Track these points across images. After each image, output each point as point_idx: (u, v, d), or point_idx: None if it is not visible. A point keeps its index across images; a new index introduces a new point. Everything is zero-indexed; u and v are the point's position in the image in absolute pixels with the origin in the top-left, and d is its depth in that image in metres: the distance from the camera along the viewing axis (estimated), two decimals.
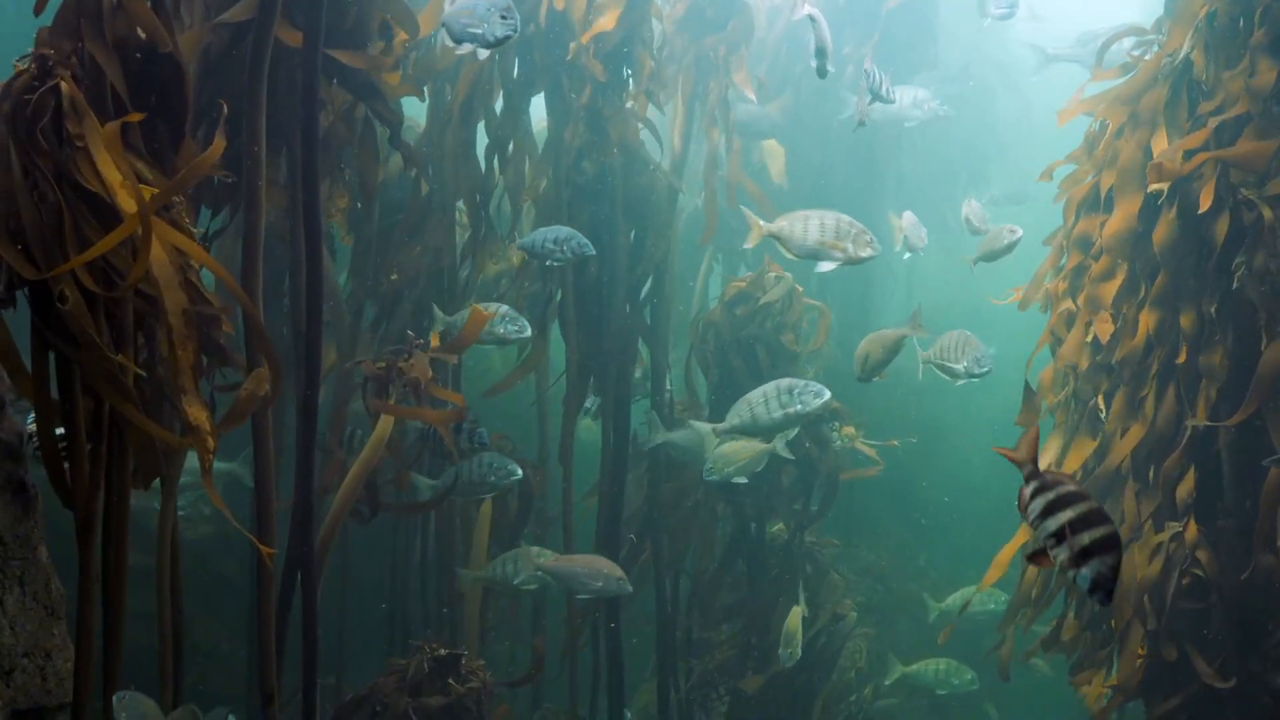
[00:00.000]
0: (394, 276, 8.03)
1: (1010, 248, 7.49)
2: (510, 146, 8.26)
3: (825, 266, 6.14)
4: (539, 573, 7.29)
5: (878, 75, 7.38)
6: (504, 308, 7.09)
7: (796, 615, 8.03)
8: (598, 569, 7.28)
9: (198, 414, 4.19)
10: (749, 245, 6.49)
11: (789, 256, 6.29)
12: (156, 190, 4.22)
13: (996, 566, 7.37)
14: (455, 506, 8.31)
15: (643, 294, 8.78)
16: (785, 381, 6.52)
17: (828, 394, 6.40)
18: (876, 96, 7.42)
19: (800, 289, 9.19)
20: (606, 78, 8.13)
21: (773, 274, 9.07)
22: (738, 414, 6.51)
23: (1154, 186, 6.41)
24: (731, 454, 7.90)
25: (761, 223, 6.31)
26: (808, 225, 6.10)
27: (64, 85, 4.03)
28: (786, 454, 7.93)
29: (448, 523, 8.33)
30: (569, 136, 8.20)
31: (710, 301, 10.57)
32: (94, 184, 4.05)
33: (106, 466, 4.35)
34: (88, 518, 4.21)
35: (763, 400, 6.39)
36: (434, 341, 6.84)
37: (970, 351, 6.78)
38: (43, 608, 4.27)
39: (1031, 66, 11.29)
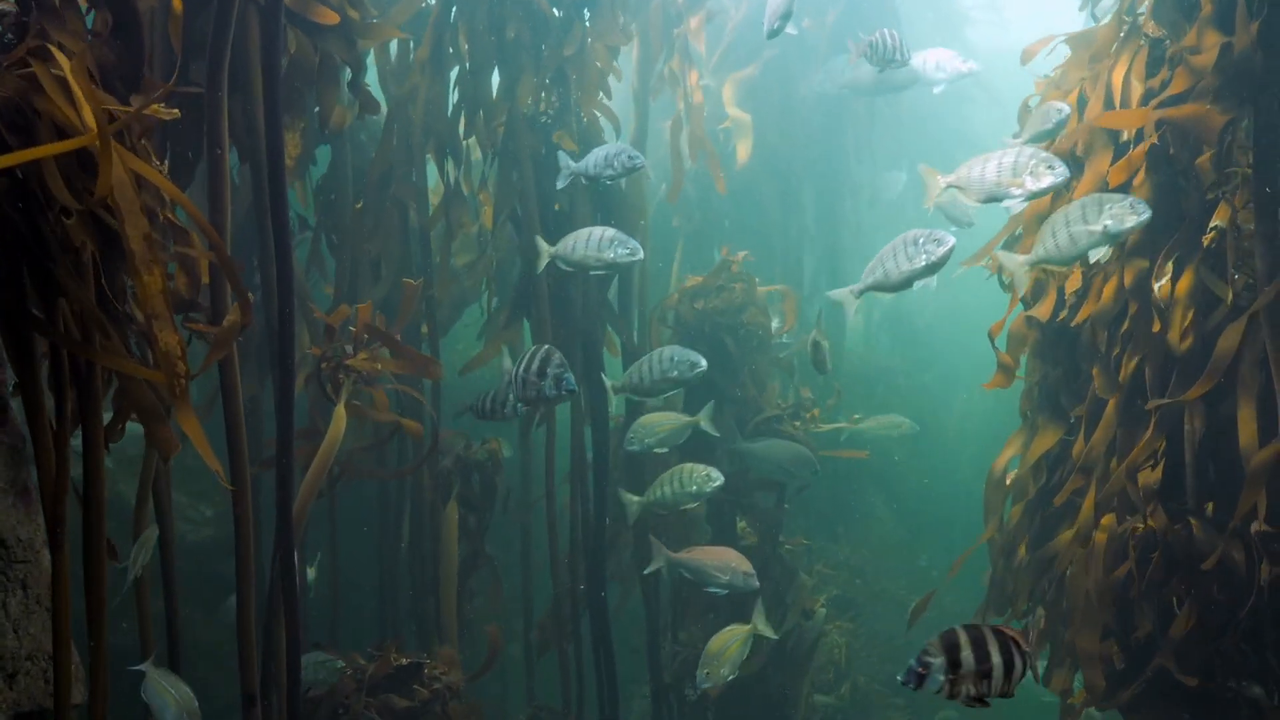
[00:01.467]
0: (359, 205, 7.99)
1: (1060, 127, 6.73)
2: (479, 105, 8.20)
3: (1013, 205, 5.79)
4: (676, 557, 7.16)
5: (887, 40, 7.10)
6: (611, 230, 6.66)
7: (729, 636, 7.28)
8: (726, 563, 7.13)
9: (168, 338, 3.92)
10: (929, 203, 6.19)
11: (971, 203, 5.95)
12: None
13: (956, 566, 7.45)
14: (425, 501, 8.31)
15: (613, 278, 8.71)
16: (911, 233, 6.08)
17: (952, 241, 5.94)
18: (888, 62, 7.13)
19: (756, 279, 9.17)
20: (568, 22, 8.04)
21: (730, 265, 9.05)
22: (871, 272, 6.12)
23: (1116, 181, 6.32)
24: (653, 424, 7.82)
25: (941, 176, 6.02)
26: (985, 167, 5.76)
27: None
28: (711, 429, 7.90)
29: (421, 518, 8.35)
30: (530, 91, 8.09)
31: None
32: (57, 98, 3.91)
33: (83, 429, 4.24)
34: (55, 492, 4.12)
35: (891, 255, 5.95)
36: (364, 312, 6.51)
37: (1108, 207, 5.59)
38: (46, 611, 4.24)
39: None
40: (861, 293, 6.16)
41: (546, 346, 6.15)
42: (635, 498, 7.74)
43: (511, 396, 6.68)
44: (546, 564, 8.65)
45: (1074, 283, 6.64)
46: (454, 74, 8.24)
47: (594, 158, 6.85)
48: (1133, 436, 6.37)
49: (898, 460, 12.57)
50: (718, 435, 8.25)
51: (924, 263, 5.83)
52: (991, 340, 6.87)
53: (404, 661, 6.79)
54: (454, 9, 8.07)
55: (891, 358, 14.83)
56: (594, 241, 6.61)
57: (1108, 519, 6.40)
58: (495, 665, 7.90)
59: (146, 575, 5.48)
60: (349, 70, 6.63)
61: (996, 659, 3.67)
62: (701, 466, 7.49)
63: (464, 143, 8.30)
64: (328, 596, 8.05)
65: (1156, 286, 6.16)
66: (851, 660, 10.47)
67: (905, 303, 15.68)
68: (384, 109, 7.82)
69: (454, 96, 8.25)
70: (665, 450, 7.96)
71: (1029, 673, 3.80)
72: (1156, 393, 6.23)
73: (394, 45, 8.21)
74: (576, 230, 6.96)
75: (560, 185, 7.42)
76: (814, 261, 13.38)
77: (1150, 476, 6.22)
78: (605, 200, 8.47)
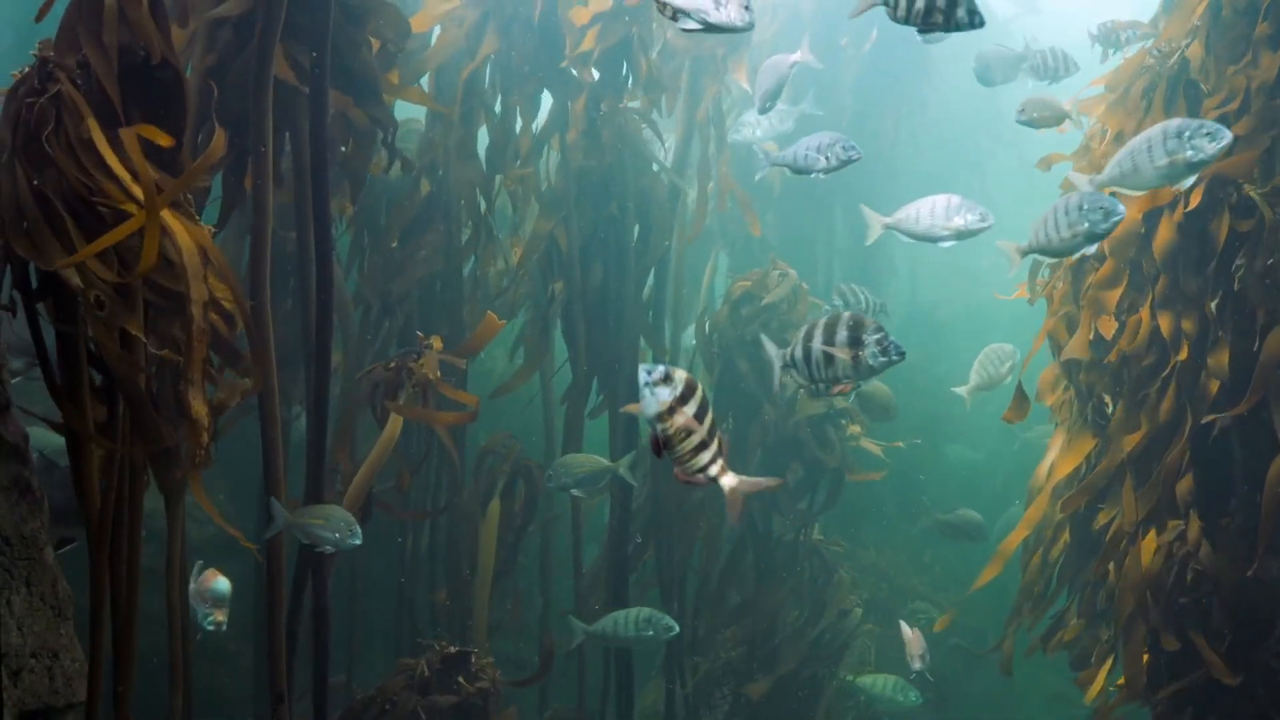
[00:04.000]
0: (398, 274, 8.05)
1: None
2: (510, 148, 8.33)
3: None
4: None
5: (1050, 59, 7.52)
6: (956, 197, 5.92)
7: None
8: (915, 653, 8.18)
9: (199, 408, 4.22)
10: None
11: None
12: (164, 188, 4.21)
13: (999, 558, 7.38)
14: (463, 508, 8.32)
15: (646, 292, 8.81)
16: (1175, 123, 5.37)
17: (1228, 137, 5.22)
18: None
19: (806, 286, 9.13)
20: (604, 78, 8.13)
21: (777, 271, 9.02)
22: (1118, 164, 5.50)
23: (1149, 208, 6.37)
24: (573, 464, 7.86)
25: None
26: None
27: (65, 89, 4.02)
28: (630, 478, 7.97)
29: (456, 524, 8.35)
30: (570, 137, 8.27)
31: (717, 301, 10.55)
32: (103, 180, 4.04)
33: (121, 470, 4.36)
34: (101, 521, 4.22)
35: (1146, 146, 5.34)
36: (436, 344, 6.81)
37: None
38: (49, 608, 4.27)
39: None
40: (1102, 184, 5.70)
41: (847, 313, 5.38)
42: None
43: (792, 375, 5.74)
44: (564, 567, 8.65)
45: (1108, 327, 6.65)
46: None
47: (803, 147, 6.19)
48: (1168, 442, 6.42)
49: (923, 478, 12.54)
50: (635, 484, 8.37)
51: (1185, 159, 5.35)
52: (1020, 387, 6.93)
53: (453, 650, 6.79)
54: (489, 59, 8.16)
55: (910, 355, 14.69)
56: (940, 209, 5.91)
57: (1149, 536, 6.42)
58: (500, 666, 7.91)
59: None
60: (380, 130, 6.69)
61: (692, 440, 3.42)
62: (1006, 346, 9.21)
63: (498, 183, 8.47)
64: (344, 599, 8.05)
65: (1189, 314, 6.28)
66: (879, 661, 10.39)
67: (926, 298, 15.70)
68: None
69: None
70: (582, 494, 8.00)
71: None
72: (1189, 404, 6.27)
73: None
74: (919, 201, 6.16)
75: (758, 177, 7.28)
76: (844, 276, 13.37)
77: (1185, 484, 6.28)
78: (641, 216, 8.67)
